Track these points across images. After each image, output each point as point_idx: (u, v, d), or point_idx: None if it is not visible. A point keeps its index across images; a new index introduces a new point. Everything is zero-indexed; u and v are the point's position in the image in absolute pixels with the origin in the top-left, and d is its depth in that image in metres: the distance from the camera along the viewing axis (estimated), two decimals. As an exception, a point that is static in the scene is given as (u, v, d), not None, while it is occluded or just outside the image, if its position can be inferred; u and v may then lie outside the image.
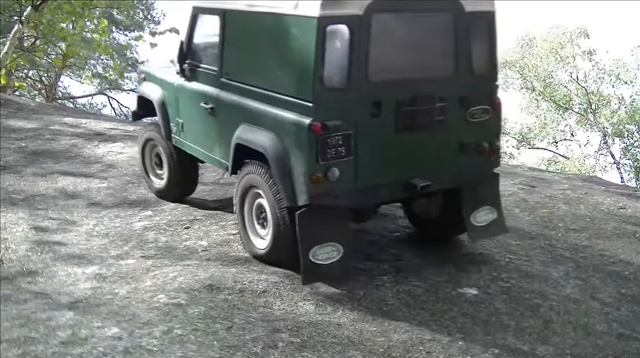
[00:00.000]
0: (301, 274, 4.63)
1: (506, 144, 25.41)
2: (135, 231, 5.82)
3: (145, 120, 7.14)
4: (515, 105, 25.27)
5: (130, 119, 7.10)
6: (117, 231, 5.86)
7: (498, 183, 5.33)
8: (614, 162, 24.07)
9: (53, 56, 19.28)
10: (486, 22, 4.99)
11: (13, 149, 8.25)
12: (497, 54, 5.13)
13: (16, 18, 14.83)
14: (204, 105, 5.46)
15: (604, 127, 24.12)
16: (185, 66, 5.76)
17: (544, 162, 24.07)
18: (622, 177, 23.24)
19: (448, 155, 4.98)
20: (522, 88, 25.35)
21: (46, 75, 22.66)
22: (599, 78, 24.71)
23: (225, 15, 5.26)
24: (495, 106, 5.10)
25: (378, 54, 4.59)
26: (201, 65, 5.62)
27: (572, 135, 25.19)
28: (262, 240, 5.08)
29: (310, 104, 4.45)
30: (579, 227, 6.22)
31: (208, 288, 4.65)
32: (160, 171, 6.54)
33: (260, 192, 4.95)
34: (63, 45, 17.49)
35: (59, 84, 23.33)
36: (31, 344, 3.82)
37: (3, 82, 13.97)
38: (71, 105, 22.75)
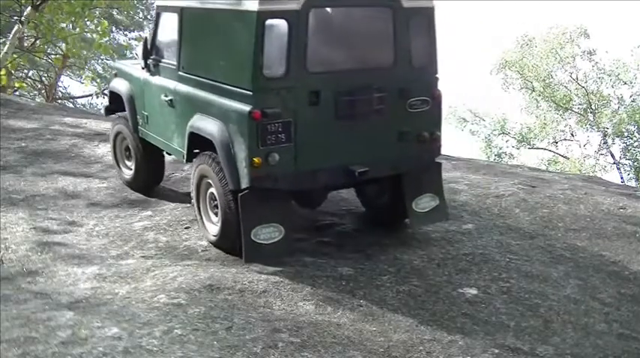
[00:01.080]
0: (243, 252, 4.90)
1: (506, 144, 25.44)
2: (135, 231, 5.82)
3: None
4: (515, 105, 25.31)
5: (103, 114, 7.51)
6: (117, 231, 5.86)
7: (441, 171, 5.61)
8: (614, 162, 24.08)
9: (53, 56, 19.26)
10: (425, 17, 5.25)
11: (13, 149, 8.25)
12: (437, 47, 5.33)
13: (16, 18, 14.82)
14: (164, 97, 5.79)
15: (604, 127, 24.12)
16: (149, 61, 6.11)
17: (544, 162, 24.07)
18: (622, 177, 23.24)
19: (387, 143, 5.21)
20: (522, 88, 25.34)
21: (46, 75, 22.64)
22: (599, 78, 24.70)
23: (182, 12, 5.58)
24: (435, 97, 5.33)
25: (316, 46, 4.91)
26: (163, 60, 5.96)
27: (572, 135, 25.19)
28: (215, 226, 5.34)
29: (250, 93, 4.75)
30: (579, 227, 6.22)
31: (208, 288, 4.65)
32: (129, 163, 6.87)
33: (210, 181, 5.23)
34: (63, 45, 17.47)
35: (59, 84, 23.30)
36: (31, 344, 3.82)
37: (3, 82, 13.98)
38: (71, 105, 22.74)
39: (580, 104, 24.93)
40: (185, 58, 5.57)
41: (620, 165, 24.03)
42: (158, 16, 6.06)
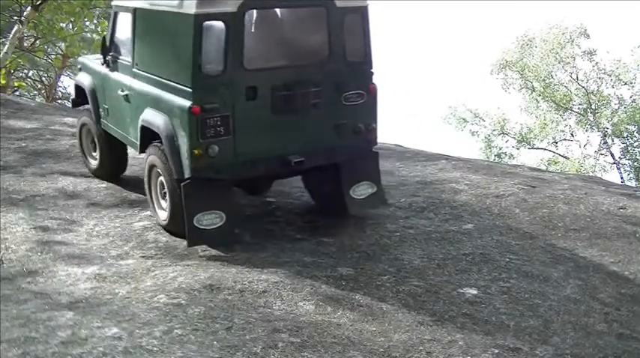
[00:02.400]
0: (186, 237, 5.25)
1: (506, 144, 25.44)
2: (135, 231, 5.82)
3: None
4: (515, 105, 25.31)
5: (70, 106, 8.04)
6: (117, 231, 5.86)
7: (377, 160, 5.89)
8: (614, 162, 24.07)
9: (53, 56, 19.26)
10: (359, 15, 5.55)
11: (13, 149, 8.25)
12: (371, 43, 5.62)
13: (16, 18, 14.83)
14: (121, 92, 6.12)
15: (604, 127, 24.12)
16: (108, 57, 6.45)
17: (544, 163, 24.07)
18: (622, 177, 23.24)
19: (324, 135, 5.51)
20: (522, 88, 25.33)
21: (46, 75, 22.62)
22: (599, 78, 24.70)
23: (135, 12, 5.92)
24: (370, 91, 5.63)
25: (253, 45, 5.35)
26: (120, 57, 6.29)
27: (572, 135, 25.19)
28: (165, 211, 5.70)
29: (190, 90, 5.09)
30: (579, 227, 6.21)
31: (208, 288, 4.65)
32: (94, 153, 7.17)
33: (159, 170, 5.59)
34: (63, 45, 17.48)
35: (59, 84, 23.30)
36: (31, 344, 3.82)
37: (3, 81, 13.98)
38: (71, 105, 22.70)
39: (580, 104, 24.93)
40: (138, 56, 5.91)
41: (620, 165, 24.03)
42: (115, 15, 6.41)
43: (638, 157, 23.99)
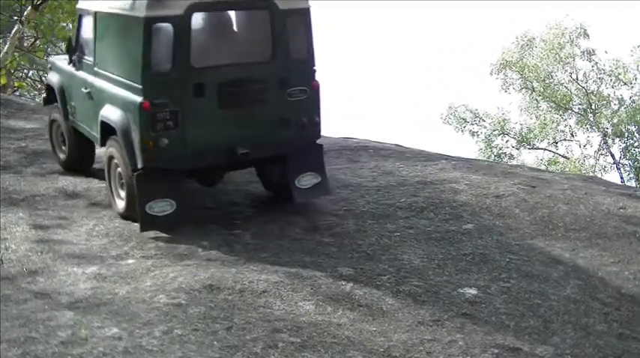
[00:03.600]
0: (139, 223, 5.60)
1: (506, 144, 25.43)
2: (135, 231, 5.81)
3: None
4: (515, 106, 25.30)
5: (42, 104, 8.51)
6: (117, 231, 5.85)
7: (322, 152, 6.25)
8: (614, 163, 24.06)
9: (53, 56, 19.24)
10: (302, 16, 5.94)
11: (13, 149, 8.24)
12: (314, 42, 5.99)
13: (16, 18, 14.83)
14: (84, 90, 6.49)
15: (604, 128, 24.11)
16: (74, 57, 6.81)
17: (543, 163, 24.06)
18: (622, 178, 23.23)
19: (269, 128, 5.86)
20: (522, 89, 25.32)
21: (46, 75, 22.63)
22: (599, 78, 24.69)
23: (95, 15, 6.32)
24: (313, 87, 6.00)
25: (201, 44, 5.68)
26: (84, 57, 6.65)
27: (572, 135, 25.19)
28: (122, 200, 6.01)
29: (141, 86, 5.49)
30: (579, 227, 6.21)
31: (208, 288, 4.65)
32: (63, 147, 7.47)
33: (117, 162, 5.94)
34: (63, 45, 17.45)
35: (59, 84, 23.26)
36: (31, 344, 3.82)
37: (3, 81, 13.97)
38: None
39: (580, 104, 24.93)
40: (98, 56, 6.30)
41: (620, 165, 24.02)
42: (80, 17, 6.84)
43: (638, 157, 23.98)
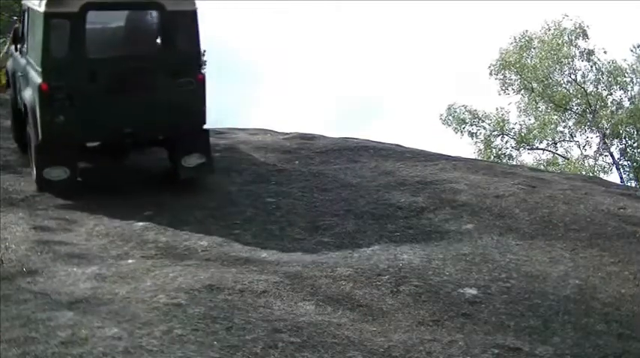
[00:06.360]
0: (36, 184, 6.65)
1: (505, 145, 25.40)
2: (135, 231, 5.82)
3: None
4: (514, 106, 25.28)
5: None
6: (117, 231, 5.85)
7: (208, 136, 7.11)
8: (614, 163, 24.05)
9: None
10: (189, 17, 6.84)
11: (13, 149, 8.25)
12: (200, 40, 6.92)
13: (16, 18, 14.80)
14: (20, 74, 7.55)
15: (604, 128, 24.10)
16: (19, 46, 7.85)
17: (542, 163, 24.04)
18: (621, 178, 23.21)
19: (157, 114, 6.73)
20: (521, 89, 25.29)
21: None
22: (597, 79, 24.67)
23: (27, 10, 7.39)
24: (199, 79, 6.87)
25: (95, 38, 6.71)
26: (23, 46, 7.64)
27: (572, 136, 25.17)
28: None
29: (41, 71, 6.46)
30: (579, 227, 6.21)
31: (208, 288, 4.65)
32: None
33: (31, 136, 6.86)
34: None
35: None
36: (31, 344, 3.82)
37: (3, 82, 13.94)
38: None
39: (579, 105, 24.92)
40: (27, 44, 7.35)
41: (620, 165, 24.01)
42: (23, 12, 7.82)
43: (637, 158, 23.96)
